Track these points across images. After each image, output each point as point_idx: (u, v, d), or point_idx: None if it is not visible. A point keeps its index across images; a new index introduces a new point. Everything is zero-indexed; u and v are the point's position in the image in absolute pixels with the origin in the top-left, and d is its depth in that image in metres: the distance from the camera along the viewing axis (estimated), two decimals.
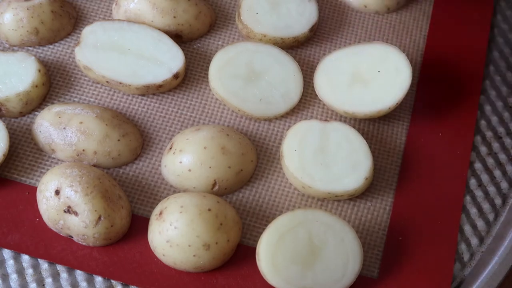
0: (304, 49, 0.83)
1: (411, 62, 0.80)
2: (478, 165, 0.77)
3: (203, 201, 0.67)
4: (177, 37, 0.82)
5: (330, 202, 0.73)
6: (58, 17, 0.81)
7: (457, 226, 0.72)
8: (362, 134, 0.76)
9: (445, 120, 0.79)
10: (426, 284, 0.68)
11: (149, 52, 0.78)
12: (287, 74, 0.79)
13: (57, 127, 0.73)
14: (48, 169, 0.73)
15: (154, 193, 0.73)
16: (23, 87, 0.75)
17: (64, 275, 0.68)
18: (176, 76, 0.78)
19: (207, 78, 0.79)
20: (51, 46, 0.82)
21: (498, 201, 0.75)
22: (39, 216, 0.70)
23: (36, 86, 0.76)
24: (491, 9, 0.87)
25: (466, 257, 0.72)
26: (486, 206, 0.75)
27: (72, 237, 0.69)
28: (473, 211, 0.74)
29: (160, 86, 0.77)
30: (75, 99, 0.78)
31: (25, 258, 0.69)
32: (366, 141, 0.74)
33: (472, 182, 0.76)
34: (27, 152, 0.74)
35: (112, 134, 0.73)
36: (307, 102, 0.79)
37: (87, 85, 0.79)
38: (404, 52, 0.78)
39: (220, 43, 0.83)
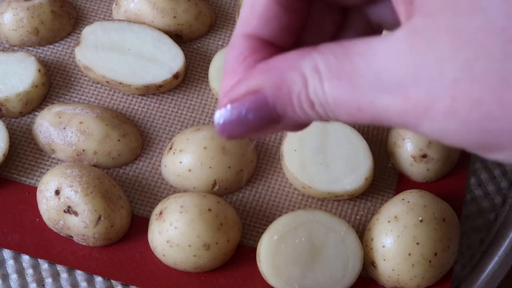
0: None
1: None
2: (478, 165, 0.77)
3: (203, 201, 0.67)
4: (177, 37, 0.82)
5: (330, 202, 0.73)
6: (58, 17, 0.81)
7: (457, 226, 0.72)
8: (362, 134, 0.76)
9: None
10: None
11: (149, 52, 0.78)
12: None
13: (57, 127, 0.73)
14: (48, 169, 0.73)
15: (154, 193, 0.73)
16: (23, 87, 0.75)
17: (64, 275, 0.68)
18: (176, 76, 0.78)
19: (207, 78, 0.79)
20: (51, 46, 0.82)
21: (498, 200, 0.75)
22: (39, 216, 0.70)
23: (36, 86, 0.76)
24: None
25: (466, 257, 0.72)
26: (486, 206, 0.75)
27: (72, 237, 0.69)
28: (473, 211, 0.74)
29: (160, 86, 0.77)
30: (75, 99, 0.78)
31: (25, 258, 0.69)
32: (366, 141, 0.74)
33: (472, 181, 0.76)
34: (27, 152, 0.74)
35: (112, 134, 0.73)
36: None
37: (87, 85, 0.79)
38: None
39: (220, 43, 0.83)
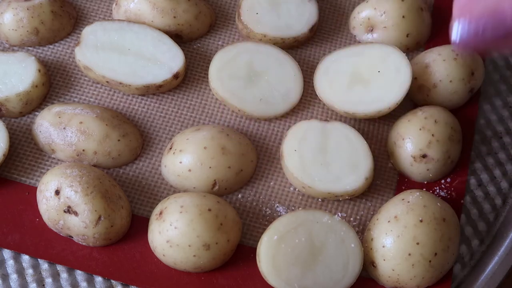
0: (304, 49, 0.83)
1: (411, 61, 0.80)
2: (478, 165, 0.77)
3: (203, 201, 0.67)
4: (177, 37, 0.82)
5: (330, 202, 0.73)
6: (58, 17, 0.81)
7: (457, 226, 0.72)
8: (362, 134, 0.76)
9: None
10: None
11: (149, 52, 0.78)
12: (287, 74, 0.79)
13: (57, 127, 0.73)
14: (48, 169, 0.73)
15: (154, 193, 0.73)
16: (23, 87, 0.75)
17: (64, 275, 0.68)
18: (176, 76, 0.78)
19: (207, 78, 0.79)
20: (51, 46, 0.82)
21: (498, 201, 0.75)
22: (39, 216, 0.70)
23: (36, 86, 0.76)
24: None
25: (466, 257, 0.72)
26: (486, 206, 0.75)
27: (72, 237, 0.68)
28: (473, 211, 0.74)
29: (160, 86, 0.77)
30: (75, 99, 0.78)
31: (25, 258, 0.69)
32: (366, 141, 0.74)
33: (472, 182, 0.76)
34: (27, 152, 0.74)
35: (112, 134, 0.73)
36: (307, 102, 0.79)
37: (87, 85, 0.79)
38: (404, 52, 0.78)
39: (220, 43, 0.83)
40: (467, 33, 0.42)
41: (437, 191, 0.74)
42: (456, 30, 0.42)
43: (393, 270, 0.66)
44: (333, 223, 0.67)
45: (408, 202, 0.68)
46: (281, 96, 0.78)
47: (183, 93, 0.79)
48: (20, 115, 0.77)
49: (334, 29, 0.85)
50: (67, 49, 0.82)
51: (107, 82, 0.77)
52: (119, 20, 0.81)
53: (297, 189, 0.73)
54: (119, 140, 0.73)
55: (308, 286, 0.65)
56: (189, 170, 0.71)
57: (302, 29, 0.82)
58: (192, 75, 0.81)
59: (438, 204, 0.68)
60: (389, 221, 0.67)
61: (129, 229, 0.70)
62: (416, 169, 0.73)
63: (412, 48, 0.83)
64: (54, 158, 0.74)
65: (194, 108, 0.78)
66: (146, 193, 0.73)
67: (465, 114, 0.79)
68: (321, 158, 0.72)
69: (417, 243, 0.65)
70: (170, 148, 0.73)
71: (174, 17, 0.80)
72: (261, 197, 0.73)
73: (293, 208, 0.72)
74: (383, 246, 0.66)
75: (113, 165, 0.74)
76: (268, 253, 0.65)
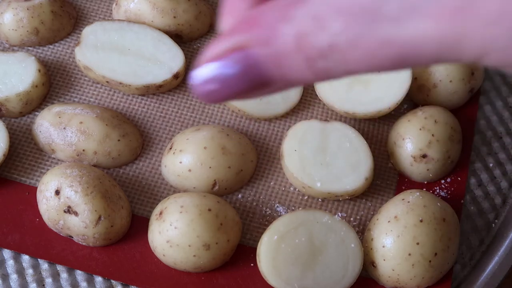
0: None
1: None
2: (478, 165, 0.77)
3: (203, 201, 0.67)
4: (177, 37, 0.82)
5: (330, 202, 0.73)
6: (58, 17, 0.81)
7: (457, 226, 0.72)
8: (362, 134, 0.76)
9: None
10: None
11: (149, 52, 0.78)
12: None
13: (57, 127, 0.73)
14: (48, 169, 0.73)
15: (154, 193, 0.73)
16: (23, 87, 0.75)
17: (64, 275, 0.68)
18: (176, 76, 0.78)
19: None
20: (51, 46, 0.82)
21: (498, 200, 0.75)
22: (39, 216, 0.70)
23: (36, 86, 0.76)
24: None
25: (466, 257, 0.72)
26: (486, 206, 0.75)
27: (72, 237, 0.69)
28: (473, 211, 0.74)
29: (160, 86, 0.77)
30: (75, 99, 0.78)
31: (25, 258, 0.69)
32: (366, 141, 0.74)
33: (472, 182, 0.76)
34: (27, 152, 0.74)
35: (112, 134, 0.73)
36: (307, 102, 0.79)
37: (87, 85, 0.79)
38: None
39: None
40: (210, 79, 0.33)
41: (437, 191, 0.74)
42: (197, 75, 0.33)
43: (393, 270, 0.66)
44: (333, 223, 0.67)
45: (408, 202, 0.68)
46: (281, 96, 0.78)
47: (183, 93, 0.79)
48: (20, 115, 0.77)
49: None
50: (67, 49, 0.82)
51: (107, 82, 0.77)
52: (119, 20, 0.81)
53: (297, 189, 0.73)
54: (119, 140, 0.73)
55: (308, 286, 0.65)
56: (189, 170, 0.71)
57: None
58: None
59: (438, 204, 0.68)
60: (389, 221, 0.67)
61: (129, 229, 0.70)
62: (416, 169, 0.73)
63: None
64: (54, 158, 0.74)
65: (194, 108, 0.79)
66: (146, 193, 0.73)
67: (465, 114, 0.79)
68: (321, 158, 0.72)
69: (417, 243, 0.65)
70: (170, 148, 0.73)
71: (174, 17, 0.80)
72: (261, 197, 0.73)
73: (293, 208, 0.73)
74: (383, 246, 0.66)
75: (113, 165, 0.74)
76: (268, 253, 0.65)
